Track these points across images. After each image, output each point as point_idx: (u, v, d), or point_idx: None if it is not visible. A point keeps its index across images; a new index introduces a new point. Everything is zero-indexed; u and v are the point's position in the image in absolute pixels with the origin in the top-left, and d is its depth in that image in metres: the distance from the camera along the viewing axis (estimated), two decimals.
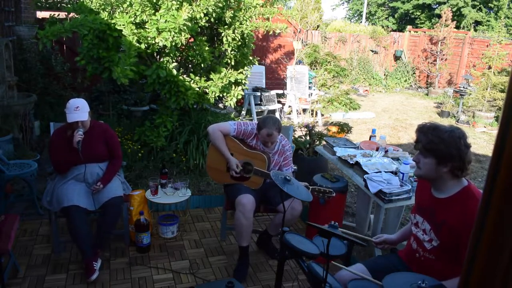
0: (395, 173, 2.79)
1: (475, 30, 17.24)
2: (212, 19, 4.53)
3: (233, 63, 4.98)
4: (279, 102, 7.77)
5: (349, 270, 1.90)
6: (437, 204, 1.80)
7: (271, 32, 5.78)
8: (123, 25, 3.94)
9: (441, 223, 1.77)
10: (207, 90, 4.61)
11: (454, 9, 19.22)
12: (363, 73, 11.60)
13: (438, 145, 1.72)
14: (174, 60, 4.46)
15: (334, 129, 5.05)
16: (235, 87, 4.78)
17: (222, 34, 4.72)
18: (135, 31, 3.98)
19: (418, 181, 2.12)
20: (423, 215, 1.88)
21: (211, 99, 4.61)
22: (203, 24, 4.46)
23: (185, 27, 4.01)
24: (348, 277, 1.88)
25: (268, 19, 5.46)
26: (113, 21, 4.02)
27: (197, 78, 4.58)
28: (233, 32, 4.71)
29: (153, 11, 4.21)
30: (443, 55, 11.02)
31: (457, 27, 16.76)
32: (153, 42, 4.07)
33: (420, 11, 22.56)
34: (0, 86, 4.43)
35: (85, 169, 2.83)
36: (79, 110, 2.75)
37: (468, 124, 7.91)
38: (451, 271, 1.74)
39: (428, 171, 1.78)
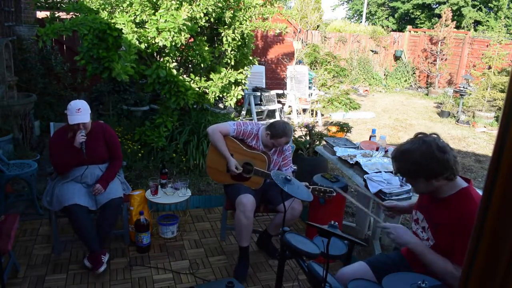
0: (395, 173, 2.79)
1: (475, 30, 17.24)
2: (212, 19, 4.53)
3: (233, 63, 4.98)
4: (279, 102, 7.77)
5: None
6: (435, 204, 1.80)
7: (271, 32, 5.78)
8: (123, 24, 3.94)
9: (437, 223, 1.77)
10: (207, 90, 4.61)
11: (454, 9, 19.21)
12: (363, 73, 11.60)
13: (416, 167, 1.71)
14: (174, 60, 4.46)
15: (334, 129, 5.05)
16: (235, 87, 4.78)
17: (222, 34, 4.72)
18: (135, 29, 3.99)
19: None
20: (423, 212, 1.88)
21: (211, 99, 4.61)
22: (203, 24, 4.46)
23: (184, 27, 4.01)
24: (348, 276, 1.88)
25: (267, 19, 5.46)
26: (113, 21, 4.03)
27: (197, 78, 4.58)
28: (233, 32, 4.71)
29: (153, 11, 4.21)
30: (443, 55, 11.02)
31: (457, 27, 16.76)
32: (153, 42, 4.07)
33: (420, 11, 22.55)
34: (0, 86, 4.43)
35: (85, 170, 2.84)
36: (81, 112, 2.74)
37: (468, 124, 7.91)
38: None
39: (424, 189, 1.78)
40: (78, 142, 2.73)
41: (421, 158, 1.68)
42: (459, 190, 1.73)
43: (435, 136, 1.74)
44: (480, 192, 1.89)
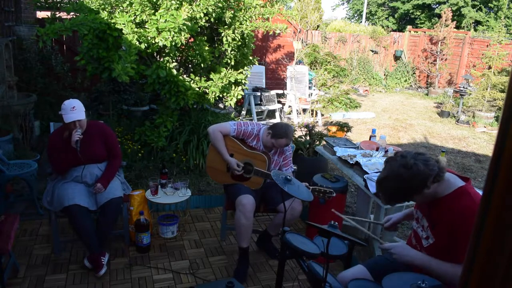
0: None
1: (475, 30, 17.24)
2: (212, 19, 4.53)
3: (233, 63, 4.98)
4: (279, 102, 7.77)
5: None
6: (433, 203, 1.78)
7: (271, 32, 5.78)
8: (123, 24, 3.94)
9: (435, 222, 1.77)
10: (207, 90, 4.61)
11: (454, 9, 19.22)
12: (363, 73, 11.60)
13: (399, 192, 1.72)
14: (174, 60, 4.46)
15: (334, 129, 5.05)
16: (235, 87, 4.78)
17: (222, 34, 4.72)
18: (135, 29, 3.99)
19: None
20: (422, 211, 1.88)
21: (211, 99, 4.61)
22: (203, 24, 4.46)
23: (184, 27, 4.01)
24: (348, 277, 1.88)
25: (268, 19, 5.47)
26: (113, 21, 4.03)
27: (197, 78, 4.58)
28: (233, 32, 4.71)
29: (153, 11, 4.21)
30: (443, 55, 11.02)
31: (457, 27, 16.76)
32: (153, 42, 4.07)
33: (420, 11, 22.56)
34: (0, 86, 4.43)
35: (83, 170, 2.84)
36: (75, 110, 2.76)
37: (468, 124, 7.91)
38: None
39: (423, 200, 1.78)
40: (74, 141, 2.74)
41: (396, 183, 1.70)
42: (456, 189, 1.72)
43: (400, 153, 1.74)
44: (480, 192, 1.89)
